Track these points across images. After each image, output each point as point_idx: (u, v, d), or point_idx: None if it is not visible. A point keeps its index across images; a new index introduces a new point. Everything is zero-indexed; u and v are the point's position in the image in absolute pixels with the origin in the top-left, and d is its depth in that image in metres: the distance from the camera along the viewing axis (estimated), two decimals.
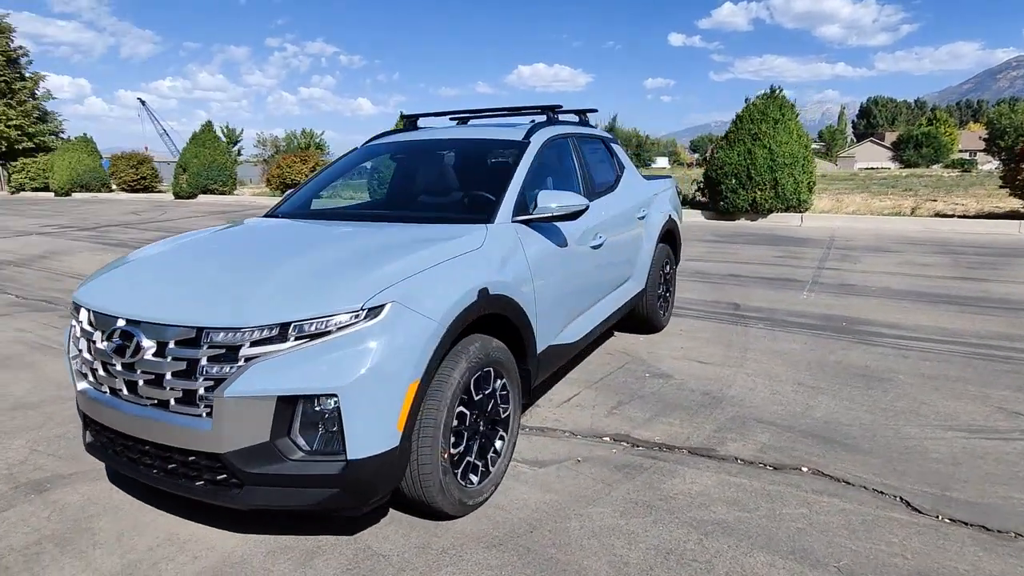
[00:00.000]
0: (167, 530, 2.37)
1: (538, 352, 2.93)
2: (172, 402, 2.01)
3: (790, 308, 5.78)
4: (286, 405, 1.93)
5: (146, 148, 36.62)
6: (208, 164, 23.62)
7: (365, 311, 2.00)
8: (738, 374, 4.09)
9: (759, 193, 12.11)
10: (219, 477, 2.02)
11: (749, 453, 3.01)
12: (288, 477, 1.96)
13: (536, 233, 2.98)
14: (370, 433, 1.96)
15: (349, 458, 1.94)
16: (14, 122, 34.30)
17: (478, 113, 4.15)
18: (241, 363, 1.92)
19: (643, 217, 4.49)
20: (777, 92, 12.61)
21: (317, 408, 1.93)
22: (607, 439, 3.22)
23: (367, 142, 3.98)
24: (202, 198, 23.54)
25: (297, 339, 1.94)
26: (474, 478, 2.45)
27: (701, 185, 13.27)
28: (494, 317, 2.54)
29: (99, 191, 27.78)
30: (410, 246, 2.45)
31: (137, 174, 27.33)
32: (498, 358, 2.52)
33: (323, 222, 3.18)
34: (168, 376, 2.00)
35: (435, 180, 3.69)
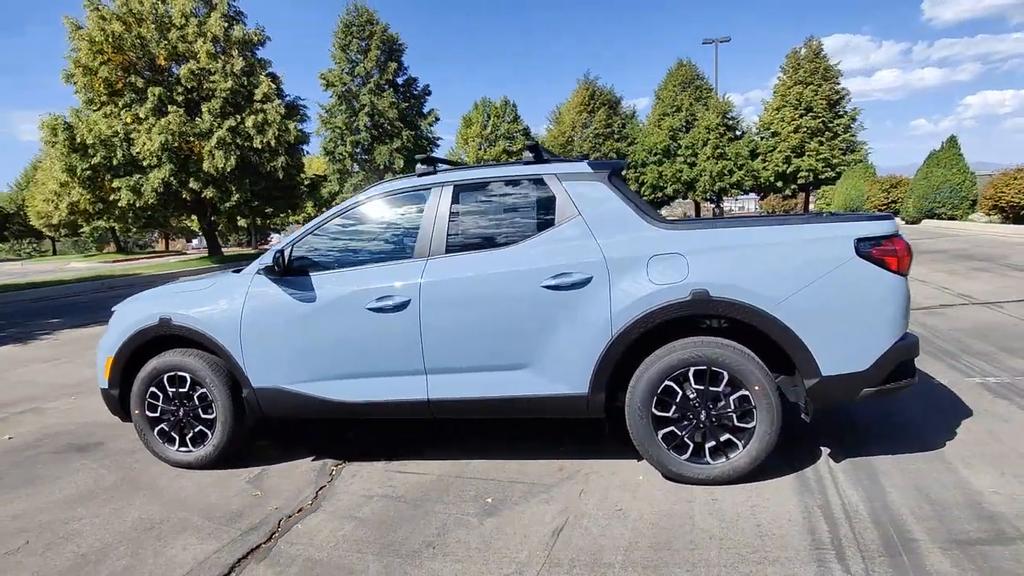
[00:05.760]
0: None
1: (257, 387, 3.41)
2: None
3: None
4: None
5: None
6: (938, 185, 21.02)
7: (113, 312, 3.76)
8: None
9: None
10: None
11: None
12: None
13: (271, 284, 3.38)
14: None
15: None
16: (822, 156, 40.05)
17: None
18: None
19: (577, 285, 2.95)
20: None
21: None
22: None
23: None
24: (926, 223, 21.27)
25: None
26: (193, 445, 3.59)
27: None
28: (188, 340, 3.52)
29: None
30: (181, 284, 3.80)
31: (888, 198, 27.13)
32: (192, 367, 3.48)
33: None
34: None
35: None
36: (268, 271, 3.34)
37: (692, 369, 2.88)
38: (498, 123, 49.26)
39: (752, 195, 48.64)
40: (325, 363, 3.34)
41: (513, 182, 3.31)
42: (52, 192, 20.42)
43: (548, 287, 3.03)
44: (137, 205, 18.92)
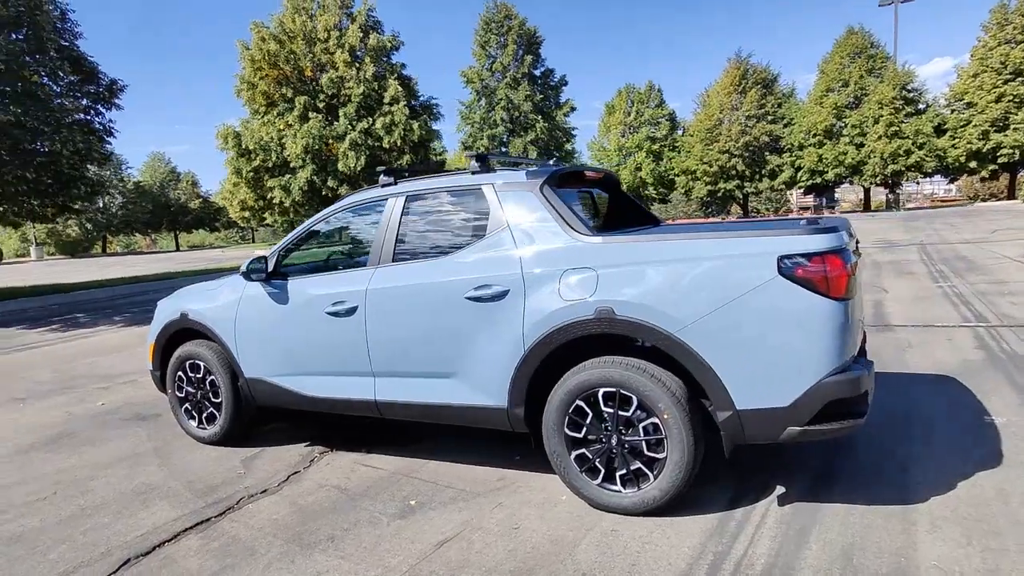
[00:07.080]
0: None
1: (248, 377, 3.85)
2: None
3: None
4: None
5: None
6: None
7: (156, 305, 4.44)
8: None
9: None
10: None
11: None
12: None
13: (256, 285, 3.78)
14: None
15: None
16: None
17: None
18: None
19: (496, 298, 2.92)
20: None
21: None
22: None
23: None
24: None
25: None
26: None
27: None
28: (200, 332, 4.05)
29: None
30: (207, 283, 4.35)
31: None
32: (204, 356, 4.00)
33: None
34: None
35: None
36: (246, 276, 3.75)
37: (601, 390, 2.74)
38: (642, 109, 47.72)
39: (938, 177, 42.02)
40: (295, 359, 3.68)
41: (457, 192, 3.35)
42: (227, 191, 24.34)
43: (471, 298, 3.04)
44: (287, 203, 21.70)
